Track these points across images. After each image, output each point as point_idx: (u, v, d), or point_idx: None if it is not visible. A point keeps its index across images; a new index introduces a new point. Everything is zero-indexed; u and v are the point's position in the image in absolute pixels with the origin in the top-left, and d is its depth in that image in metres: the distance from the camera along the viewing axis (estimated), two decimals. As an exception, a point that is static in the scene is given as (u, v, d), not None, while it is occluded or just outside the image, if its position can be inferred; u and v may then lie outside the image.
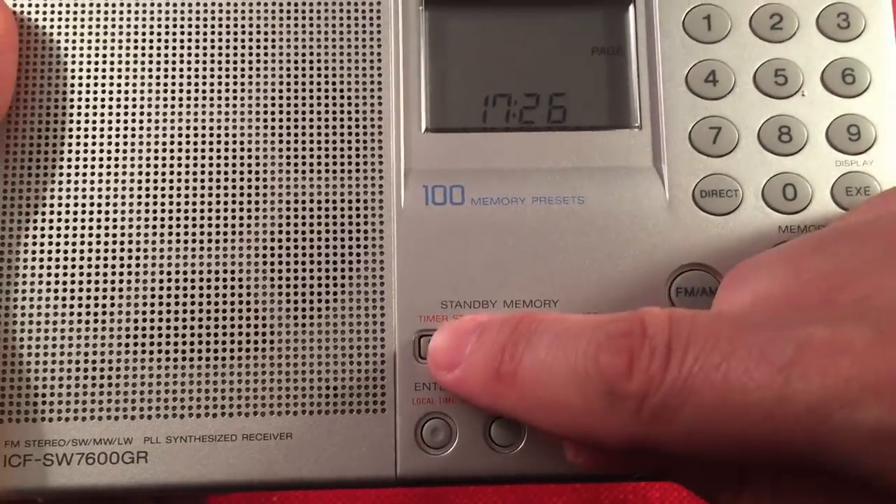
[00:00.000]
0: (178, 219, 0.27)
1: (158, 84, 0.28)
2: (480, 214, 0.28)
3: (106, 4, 0.28)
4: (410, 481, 0.27)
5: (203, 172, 0.27)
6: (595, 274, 0.28)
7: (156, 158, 0.27)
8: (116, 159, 0.27)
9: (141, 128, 0.28)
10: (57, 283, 0.27)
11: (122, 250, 0.27)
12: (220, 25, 0.28)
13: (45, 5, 0.28)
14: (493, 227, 0.28)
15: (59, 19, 0.28)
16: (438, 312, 0.27)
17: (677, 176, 0.28)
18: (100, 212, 0.27)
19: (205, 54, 0.28)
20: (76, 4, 0.28)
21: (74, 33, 0.28)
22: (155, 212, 0.27)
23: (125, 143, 0.27)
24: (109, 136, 0.27)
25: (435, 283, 0.27)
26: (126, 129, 0.27)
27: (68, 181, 0.27)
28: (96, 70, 0.28)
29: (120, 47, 0.28)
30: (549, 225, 0.28)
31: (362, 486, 0.27)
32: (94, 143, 0.27)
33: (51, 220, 0.27)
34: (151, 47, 0.28)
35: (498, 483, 0.27)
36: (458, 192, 0.28)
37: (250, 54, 0.28)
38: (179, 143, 0.28)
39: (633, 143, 0.29)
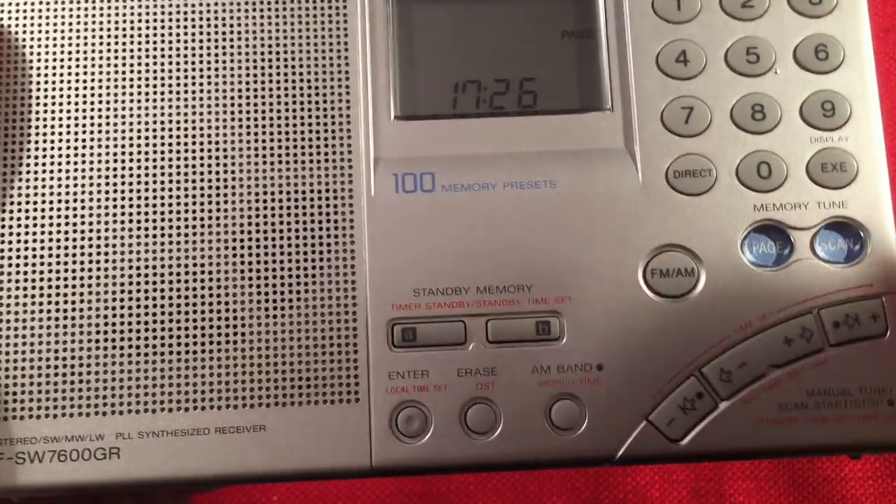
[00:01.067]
0: (145, 212, 0.27)
1: (122, 77, 0.28)
2: (452, 201, 0.28)
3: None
4: (386, 471, 0.26)
5: (170, 165, 0.27)
6: (569, 258, 0.27)
7: (121, 152, 0.27)
8: (81, 153, 0.27)
9: (105, 122, 0.27)
10: (25, 279, 0.26)
11: (90, 245, 0.27)
12: (185, 16, 0.28)
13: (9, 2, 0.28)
14: (465, 213, 0.28)
15: (21, 14, 0.28)
16: (411, 300, 0.27)
17: (650, 157, 0.28)
18: (66, 207, 0.27)
19: (169, 47, 0.28)
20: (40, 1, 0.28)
21: (38, 28, 0.28)
22: (122, 206, 0.27)
23: (89, 138, 0.27)
24: (73, 130, 0.27)
25: (407, 270, 0.27)
26: (90, 123, 0.27)
27: (34, 177, 0.27)
28: (60, 64, 0.28)
29: (83, 40, 0.28)
30: (522, 210, 0.28)
31: (337, 477, 0.26)
32: (58, 137, 0.27)
33: (16, 216, 0.27)
34: (114, 40, 0.28)
35: (475, 471, 0.27)
36: (429, 179, 0.28)
37: (215, 45, 0.28)
38: (145, 137, 0.27)
39: (605, 125, 0.28)
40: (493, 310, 0.27)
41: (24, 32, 0.28)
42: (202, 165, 0.27)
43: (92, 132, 0.27)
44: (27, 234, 0.27)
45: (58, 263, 0.27)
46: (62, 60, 0.28)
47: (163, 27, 0.28)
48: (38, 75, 0.27)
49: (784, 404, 0.27)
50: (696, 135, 0.28)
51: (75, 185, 0.27)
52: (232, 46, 0.28)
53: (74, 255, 0.27)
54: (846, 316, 0.27)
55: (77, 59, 0.28)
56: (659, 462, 0.27)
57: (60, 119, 0.27)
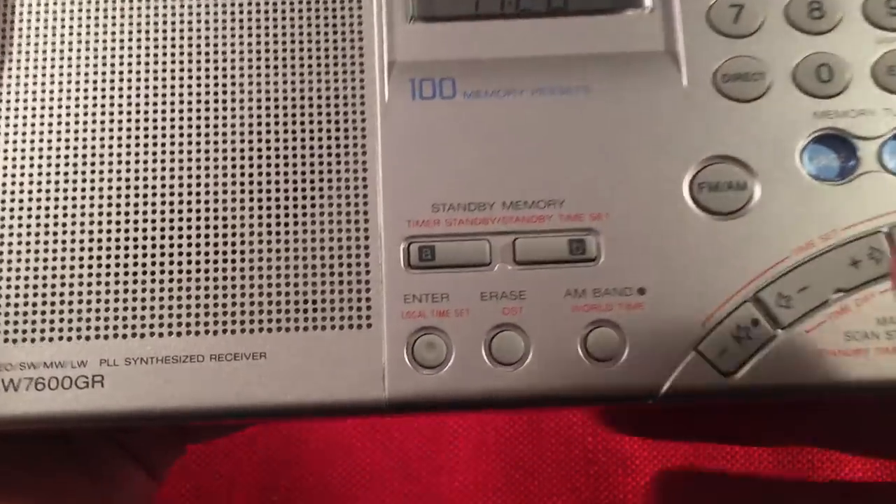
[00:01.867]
0: (135, 118, 0.24)
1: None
2: (474, 109, 0.25)
3: None
4: (402, 405, 0.23)
5: (163, 68, 0.25)
6: (604, 171, 0.25)
7: (110, 54, 0.25)
8: (67, 54, 0.25)
9: (93, 22, 0.25)
10: (3, 191, 0.24)
11: (76, 155, 0.24)
12: None
13: None
14: (489, 122, 0.25)
15: None
16: (429, 217, 0.24)
17: (695, 60, 0.25)
18: (51, 115, 0.24)
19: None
20: None
21: None
22: (109, 111, 0.24)
23: (76, 38, 0.25)
24: (58, 30, 0.25)
25: (424, 184, 0.24)
26: (77, 22, 0.25)
27: (17, 82, 0.25)
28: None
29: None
30: (552, 119, 0.25)
31: (347, 412, 0.24)
32: (43, 35, 0.25)
33: (-3, 125, 0.24)
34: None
35: (501, 406, 0.24)
36: (449, 85, 0.25)
37: (214, -62, 0.25)
38: (139, 39, 0.25)
39: (644, 25, 0.25)
40: (521, 227, 0.24)
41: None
42: (199, 69, 0.25)
43: (80, 32, 0.25)
44: (5, 140, 0.24)
45: (39, 174, 0.24)
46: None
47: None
48: (22, -26, 0.25)
49: (851, 334, 0.24)
50: (747, 35, 0.25)
51: (59, 90, 0.25)
52: (232, -60, 0.25)
53: (57, 163, 0.24)
54: (921, 235, 0.24)
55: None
56: (709, 397, 0.24)
57: (47, 18, 0.25)
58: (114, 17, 0.25)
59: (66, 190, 0.24)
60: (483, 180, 0.24)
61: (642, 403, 0.24)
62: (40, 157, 0.24)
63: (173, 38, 0.25)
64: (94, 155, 0.24)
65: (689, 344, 0.24)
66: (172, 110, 0.24)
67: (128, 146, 0.24)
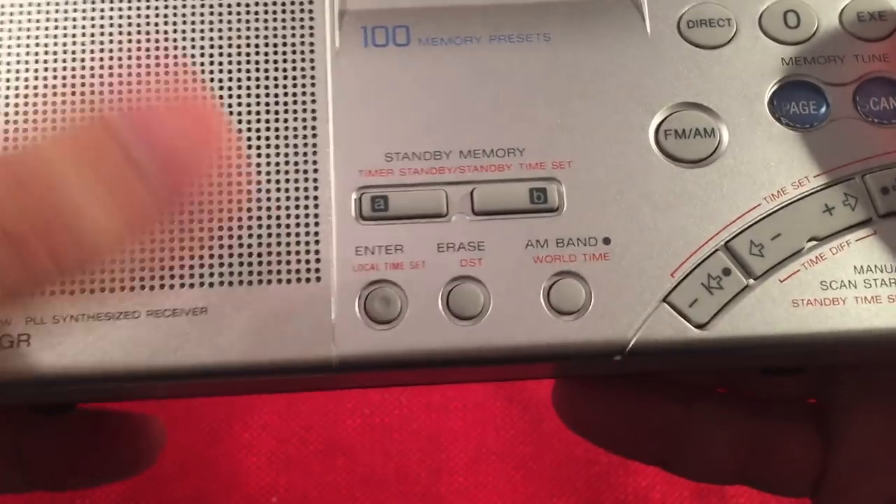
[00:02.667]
0: (71, 66, 0.23)
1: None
2: (429, 56, 0.24)
3: None
4: (353, 364, 0.22)
5: (94, 10, 0.23)
6: (567, 119, 0.23)
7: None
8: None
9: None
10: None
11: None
12: None
13: None
14: (445, 69, 0.24)
15: None
16: (383, 166, 0.23)
17: (658, 5, 0.24)
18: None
19: None
20: None
21: None
22: (44, 58, 0.23)
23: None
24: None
25: (378, 133, 0.23)
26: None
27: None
28: None
29: None
30: (511, 66, 0.24)
31: (294, 372, 0.22)
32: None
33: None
34: None
35: (460, 364, 0.22)
36: (403, 32, 0.24)
37: None
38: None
39: (605, -28, 0.25)
40: (479, 176, 0.23)
41: None
42: (138, 17, 0.24)
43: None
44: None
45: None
46: None
47: None
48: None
49: (828, 283, 0.22)
50: (712, -19, 0.25)
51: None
52: None
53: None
54: (896, 181, 0.23)
55: None
56: (680, 353, 0.22)
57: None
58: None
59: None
60: (439, 129, 0.23)
61: (609, 361, 0.22)
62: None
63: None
64: (25, 108, 0.23)
65: (657, 295, 0.22)
66: (109, 56, 0.23)
67: (63, 99, 0.23)
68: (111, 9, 0.24)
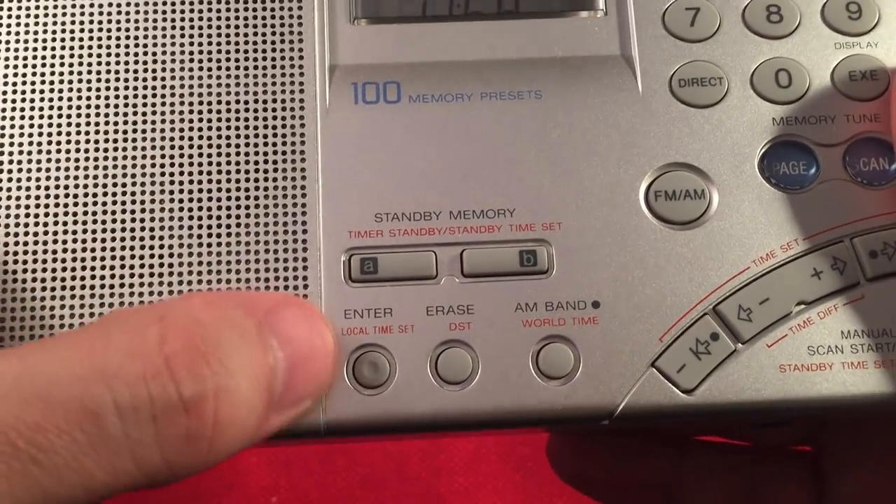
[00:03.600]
0: (58, 125, 0.23)
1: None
2: (419, 114, 0.24)
3: None
4: (341, 429, 0.22)
5: (90, 72, 0.23)
6: (557, 179, 0.23)
7: (31, 51, 0.23)
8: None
9: (12, 20, 0.23)
10: None
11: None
12: None
13: None
14: (435, 127, 0.24)
15: None
16: (372, 227, 0.23)
17: (651, 64, 0.24)
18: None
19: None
20: None
21: None
22: (31, 118, 0.23)
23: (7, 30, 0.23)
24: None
25: (367, 193, 0.23)
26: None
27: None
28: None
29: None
30: (502, 124, 0.24)
31: (282, 439, 0.22)
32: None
33: None
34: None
35: (448, 429, 0.22)
36: (393, 88, 0.24)
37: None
38: (62, 37, 0.23)
39: (597, 29, 0.24)
40: (469, 238, 0.23)
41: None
42: (127, 71, 0.23)
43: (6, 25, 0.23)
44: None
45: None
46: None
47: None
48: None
49: (815, 348, 0.23)
50: (704, 39, 0.24)
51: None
52: (164, -64, 0.24)
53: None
54: (885, 244, 0.23)
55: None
56: (668, 417, 0.22)
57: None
58: (38, 15, 0.23)
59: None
60: (429, 189, 0.23)
61: (597, 424, 0.22)
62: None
63: (99, 39, 0.23)
64: (10, 163, 0.23)
65: (645, 360, 0.22)
66: (99, 113, 0.23)
67: (48, 153, 0.23)
68: (99, 63, 0.23)
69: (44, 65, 0.23)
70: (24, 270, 0.22)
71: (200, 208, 0.23)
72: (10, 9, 0.24)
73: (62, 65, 0.23)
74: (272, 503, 0.40)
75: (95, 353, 0.17)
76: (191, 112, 0.23)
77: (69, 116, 0.23)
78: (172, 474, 0.18)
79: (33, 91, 0.23)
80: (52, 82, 0.23)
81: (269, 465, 0.40)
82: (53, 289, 0.22)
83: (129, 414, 0.17)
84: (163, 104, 0.23)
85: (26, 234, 0.22)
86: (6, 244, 0.22)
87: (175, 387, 0.17)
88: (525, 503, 0.40)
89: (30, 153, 0.23)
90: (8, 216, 0.22)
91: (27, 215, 0.22)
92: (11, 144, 0.23)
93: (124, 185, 0.23)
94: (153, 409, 0.17)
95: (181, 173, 0.23)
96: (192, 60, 0.23)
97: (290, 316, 0.20)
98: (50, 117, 0.23)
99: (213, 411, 0.18)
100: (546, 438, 0.40)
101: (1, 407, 0.16)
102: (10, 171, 0.22)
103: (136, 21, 0.24)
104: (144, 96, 0.23)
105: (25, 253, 0.22)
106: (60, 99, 0.23)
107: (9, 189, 0.22)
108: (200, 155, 0.23)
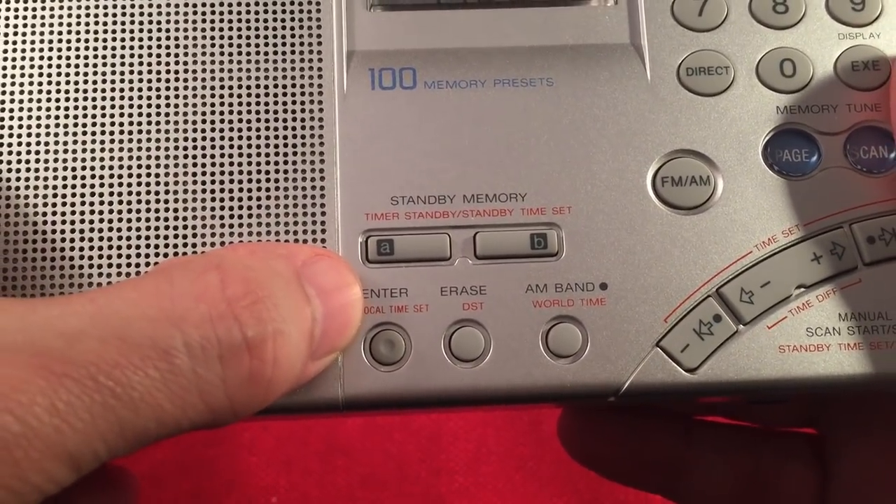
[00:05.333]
0: (83, 107, 0.23)
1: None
2: (435, 99, 0.24)
3: None
4: (358, 404, 0.23)
5: (113, 56, 0.24)
6: (567, 164, 0.24)
7: (56, 34, 0.24)
8: (7, 36, 0.24)
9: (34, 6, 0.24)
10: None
11: (12, 144, 0.23)
12: None
13: None
14: (450, 113, 0.24)
15: None
16: (388, 209, 0.24)
17: (659, 53, 0.25)
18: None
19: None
20: None
21: None
22: (56, 98, 0.23)
23: (13, 23, 0.24)
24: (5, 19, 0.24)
25: (383, 176, 0.24)
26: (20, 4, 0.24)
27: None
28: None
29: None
30: (514, 110, 0.24)
31: (304, 412, 0.23)
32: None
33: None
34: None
35: (461, 404, 0.23)
36: (409, 74, 0.25)
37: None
38: (85, 21, 0.24)
39: (608, 17, 0.25)
40: (482, 221, 0.24)
41: None
42: (150, 56, 0.24)
43: (22, 17, 0.24)
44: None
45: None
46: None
47: None
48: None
49: (813, 329, 0.24)
50: (711, 29, 0.25)
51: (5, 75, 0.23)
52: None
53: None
54: (882, 230, 0.24)
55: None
56: (672, 395, 0.23)
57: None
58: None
59: (11, 180, 0.23)
60: (443, 173, 0.24)
61: (603, 401, 0.23)
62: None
63: (123, 24, 0.24)
64: (38, 144, 0.23)
65: (651, 340, 0.23)
66: (122, 97, 0.24)
67: (74, 134, 0.23)
68: (123, 48, 0.24)
69: (69, 48, 0.24)
70: (54, 249, 0.23)
71: (223, 190, 0.23)
72: (34, -7, 0.24)
73: (87, 48, 0.24)
74: (272, 503, 0.41)
75: (162, 296, 0.18)
76: (213, 96, 0.24)
77: (94, 100, 0.23)
78: (233, 413, 0.19)
79: (59, 75, 0.24)
80: (77, 66, 0.24)
81: (269, 465, 0.41)
82: (81, 267, 0.23)
83: (197, 353, 0.18)
84: (185, 88, 0.24)
85: (54, 216, 0.23)
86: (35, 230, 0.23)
87: (239, 328, 0.18)
88: (525, 503, 0.41)
89: (56, 135, 0.23)
90: (37, 196, 0.23)
91: (55, 195, 0.23)
92: (39, 127, 0.23)
93: (148, 167, 0.23)
94: (220, 349, 0.18)
95: (203, 156, 0.23)
96: (213, 46, 0.24)
97: (324, 268, 0.21)
98: (76, 100, 0.23)
99: (273, 353, 0.19)
100: (547, 438, 0.40)
101: (82, 345, 0.17)
102: (37, 153, 0.23)
103: (160, 6, 0.24)
104: (168, 80, 0.24)
105: (54, 233, 0.23)
106: (86, 83, 0.24)
107: (36, 170, 0.23)
108: (222, 139, 0.24)
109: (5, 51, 0.24)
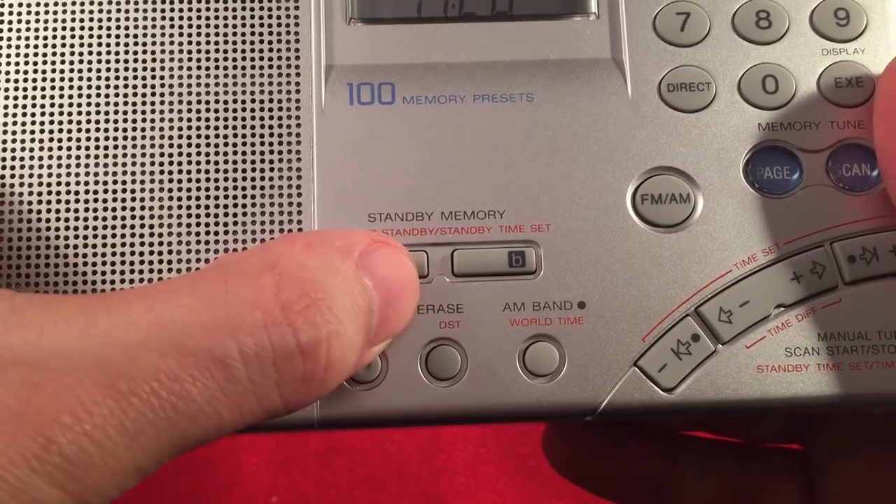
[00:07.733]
0: (59, 121, 0.23)
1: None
2: (413, 115, 0.24)
3: None
4: (333, 422, 0.23)
5: (89, 70, 0.24)
6: (546, 181, 0.24)
7: (32, 48, 0.24)
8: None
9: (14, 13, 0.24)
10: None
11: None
12: None
13: None
14: (429, 129, 0.24)
15: None
16: (366, 226, 0.24)
17: (640, 68, 0.25)
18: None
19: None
20: None
21: None
22: (32, 113, 0.23)
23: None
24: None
25: (361, 193, 0.24)
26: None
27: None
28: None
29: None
30: (494, 126, 0.24)
31: (279, 430, 0.23)
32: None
33: None
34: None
35: (437, 422, 0.23)
36: (388, 89, 0.24)
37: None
38: (62, 35, 0.24)
39: (589, 32, 0.25)
40: (460, 238, 0.24)
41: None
42: (126, 70, 0.24)
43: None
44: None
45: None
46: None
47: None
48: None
49: (792, 349, 0.23)
50: (693, 44, 0.25)
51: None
52: (162, -65, 0.24)
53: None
54: (863, 249, 0.24)
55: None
56: (649, 414, 0.23)
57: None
58: (38, 13, 0.24)
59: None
60: (421, 189, 0.24)
61: (580, 419, 0.23)
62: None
63: (98, 37, 0.24)
64: (13, 159, 0.23)
65: (628, 359, 0.23)
66: (98, 111, 0.23)
67: (49, 150, 0.23)
68: (98, 61, 0.24)
69: (45, 62, 0.24)
70: (29, 266, 0.23)
71: (198, 206, 0.23)
72: (10, 4, 0.24)
73: (63, 62, 0.24)
74: (272, 503, 0.41)
75: (217, 303, 0.18)
76: (188, 111, 0.24)
77: (70, 115, 0.23)
78: (287, 410, 0.19)
79: (34, 89, 0.23)
80: (53, 80, 0.23)
81: (269, 465, 0.41)
82: (56, 284, 0.23)
83: (252, 361, 0.18)
84: (161, 103, 0.24)
85: (28, 231, 0.23)
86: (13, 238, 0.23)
87: (293, 334, 0.18)
88: (525, 503, 0.41)
89: (32, 150, 0.23)
90: (12, 212, 0.23)
91: (29, 211, 0.23)
92: (14, 142, 0.23)
93: (123, 182, 0.23)
94: (274, 355, 0.18)
95: (179, 171, 0.23)
96: (189, 59, 0.24)
97: (382, 256, 0.21)
98: (51, 115, 0.23)
99: (326, 355, 0.19)
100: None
101: (143, 359, 0.17)
102: (13, 168, 0.23)
103: (136, 19, 0.24)
104: (144, 94, 0.24)
105: (28, 248, 0.23)
106: (62, 97, 0.23)
107: (11, 185, 0.23)
108: (198, 153, 0.23)
109: None
